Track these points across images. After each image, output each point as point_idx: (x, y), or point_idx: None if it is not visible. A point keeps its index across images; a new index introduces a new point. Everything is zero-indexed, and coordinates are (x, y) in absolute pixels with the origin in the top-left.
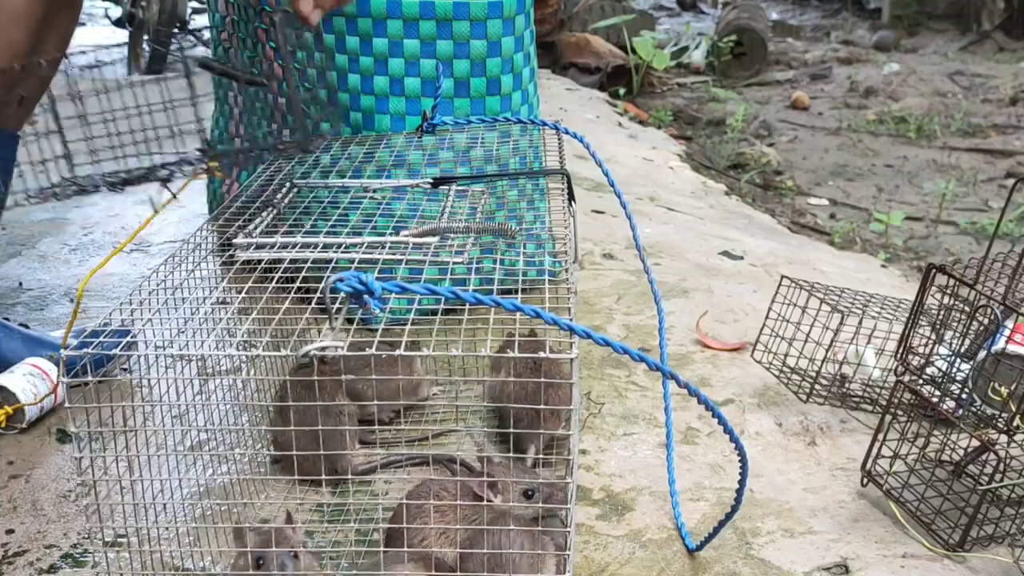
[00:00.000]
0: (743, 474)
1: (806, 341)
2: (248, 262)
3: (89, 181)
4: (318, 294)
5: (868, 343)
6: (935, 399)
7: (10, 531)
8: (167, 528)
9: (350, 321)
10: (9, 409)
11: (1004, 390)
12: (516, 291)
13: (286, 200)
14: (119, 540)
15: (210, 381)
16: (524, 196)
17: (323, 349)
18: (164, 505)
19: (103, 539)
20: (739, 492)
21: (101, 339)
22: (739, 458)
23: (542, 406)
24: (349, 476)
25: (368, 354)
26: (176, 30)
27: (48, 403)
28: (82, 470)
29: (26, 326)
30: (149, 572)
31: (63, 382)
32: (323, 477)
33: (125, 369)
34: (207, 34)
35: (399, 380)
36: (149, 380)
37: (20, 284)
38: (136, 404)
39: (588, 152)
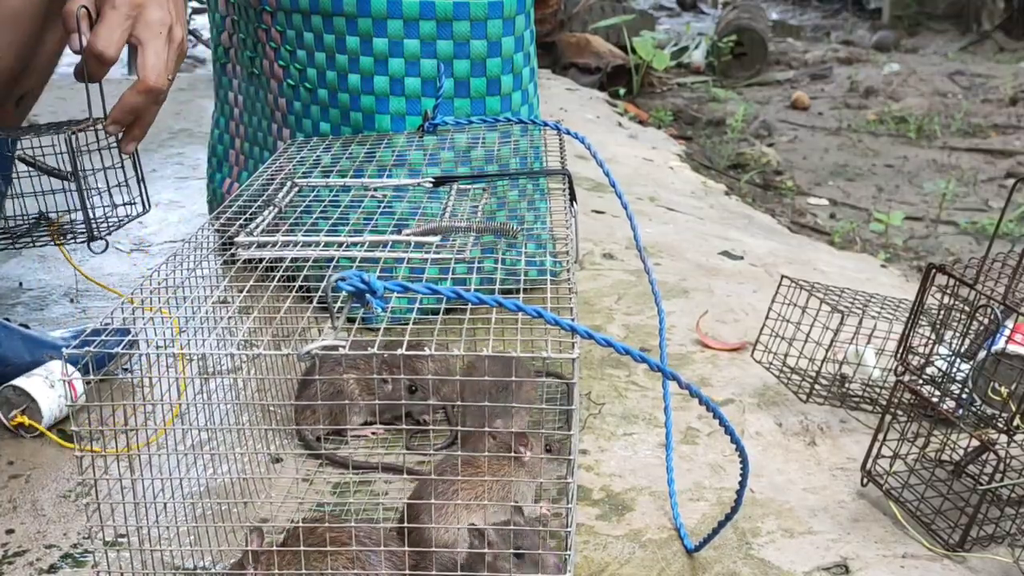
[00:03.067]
0: (743, 475)
1: (806, 341)
2: (249, 261)
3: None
4: (319, 293)
5: (868, 343)
6: (935, 399)
7: (10, 531)
8: (167, 527)
9: (351, 320)
10: (27, 421)
11: (1004, 390)
12: (517, 291)
13: (287, 199)
14: (119, 539)
15: (211, 380)
16: (525, 196)
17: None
18: (164, 504)
19: (103, 538)
20: (739, 493)
21: (102, 338)
22: (740, 459)
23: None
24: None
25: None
26: None
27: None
28: (83, 469)
29: (26, 326)
30: (149, 571)
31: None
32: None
33: (126, 369)
34: (207, 34)
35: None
36: (150, 379)
37: (20, 284)
38: (137, 403)
39: (589, 152)
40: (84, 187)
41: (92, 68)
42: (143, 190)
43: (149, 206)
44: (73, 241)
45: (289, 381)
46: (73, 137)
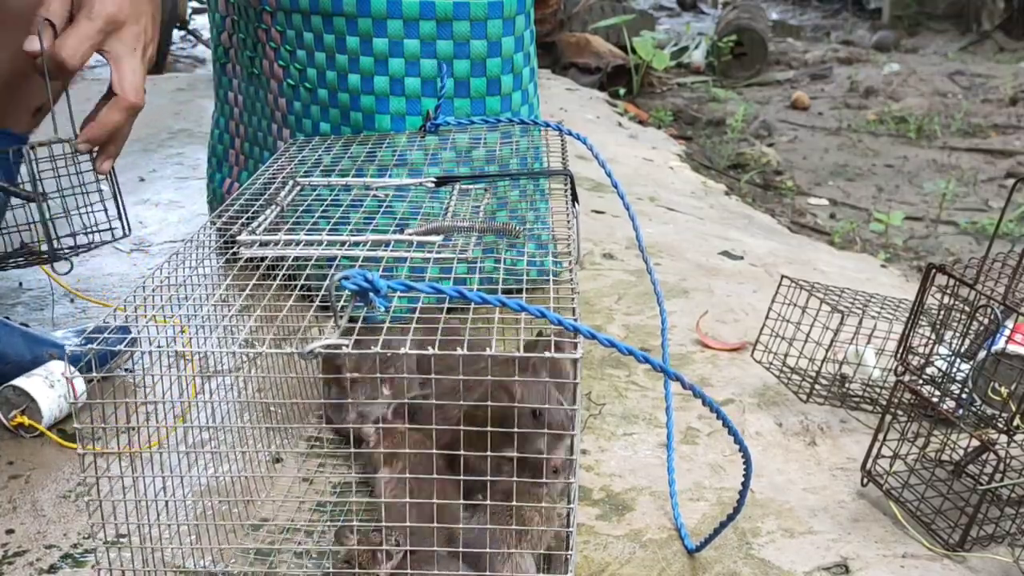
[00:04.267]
0: (747, 475)
1: (806, 341)
2: (251, 260)
3: None
4: (322, 291)
5: (868, 343)
6: (935, 399)
7: (10, 531)
8: (169, 526)
9: (353, 320)
10: (27, 421)
11: (1004, 390)
12: (519, 291)
13: (289, 198)
14: (120, 538)
15: (212, 379)
16: (526, 197)
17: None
18: (166, 503)
19: (104, 537)
20: (742, 493)
21: (104, 335)
22: (743, 459)
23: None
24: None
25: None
26: (177, 29)
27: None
28: (84, 467)
29: (26, 326)
30: (150, 570)
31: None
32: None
33: (127, 368)
34: (207, 34)
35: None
36: (152, 378)
37: (20, 284)
38: (139, 402)
39: (591, 153)
40: (45, 204)
41: (52, 72)
42: (122, 213)
43: (129, 230)
44: (37, 261)
45: (290, 380)
46: (31, 151)
